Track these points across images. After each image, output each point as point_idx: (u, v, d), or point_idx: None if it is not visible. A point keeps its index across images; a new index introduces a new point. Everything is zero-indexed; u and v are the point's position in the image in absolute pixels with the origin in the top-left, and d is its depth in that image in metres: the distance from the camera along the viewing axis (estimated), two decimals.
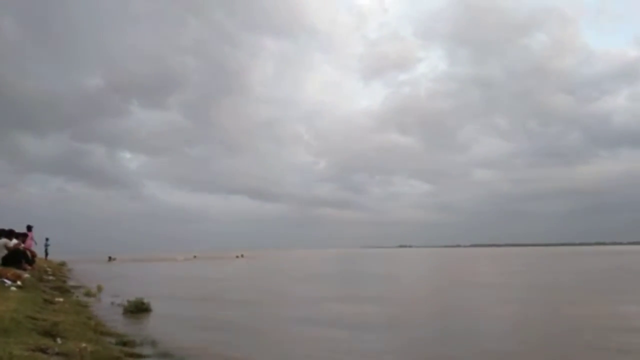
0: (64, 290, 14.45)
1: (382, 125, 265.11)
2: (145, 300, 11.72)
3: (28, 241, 23.30)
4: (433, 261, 53.00)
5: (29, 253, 16.68)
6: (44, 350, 5.08)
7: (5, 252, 14.57)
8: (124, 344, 7.36)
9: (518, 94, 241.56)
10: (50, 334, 6.32)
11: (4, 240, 14.97)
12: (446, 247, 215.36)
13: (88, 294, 14.60)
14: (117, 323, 9.86)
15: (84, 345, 5.59)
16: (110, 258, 57.97)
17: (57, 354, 5.10)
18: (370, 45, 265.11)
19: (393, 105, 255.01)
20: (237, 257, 67.82)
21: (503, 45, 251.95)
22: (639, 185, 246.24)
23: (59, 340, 6.00)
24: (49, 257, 28.56)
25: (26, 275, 12.44)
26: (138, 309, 11.42)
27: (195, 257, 67.46)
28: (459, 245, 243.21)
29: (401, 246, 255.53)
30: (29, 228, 24.16)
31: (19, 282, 10.75)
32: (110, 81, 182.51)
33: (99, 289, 16.01)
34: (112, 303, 12.80)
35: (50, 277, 17.76)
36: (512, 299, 14.66)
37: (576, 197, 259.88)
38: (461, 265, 41.97)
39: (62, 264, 31.37)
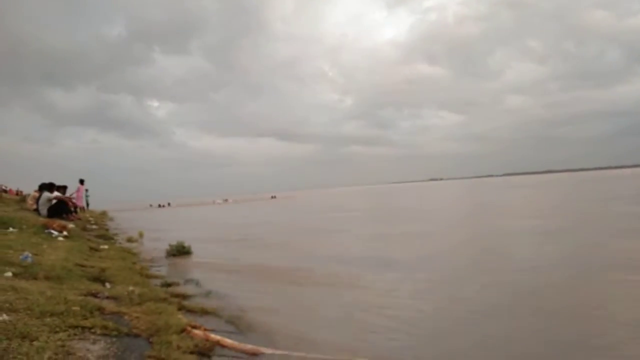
0: (108, 238, 15.04)
1: (408, 56, 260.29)
2: (186, 244, 12.10)
3: (78, 194, 24.39)
4: (460, 194, 52.68)
5: (70, 204, 17.27)
6: (95, 295, 5.31)
7: (49, 204, 15.16)
8: (169, 285, 7.66)
9: (552, 13, 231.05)
10: (99, 279, 6.61)
11: (47, 194, 15.53)
12: (478, 178, 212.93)
13: (131, 240, 15.17)
14: (161, 266, 10.27)
15: (131, 288, 5.81)
16: (150, 205, 59.98)
17: (108, 297, 5.33)
18: None
19: (419, 34, 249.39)
20: (272, 197, 69.18)
21: None
22: None
23: (107, 285, 6.27)
24: (90, 207, 29.66)
25: (71, 225, 12.93)
26: (180, 252, 11.84)
27: (226, 200, 68.88)
28: (491, 175, 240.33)
29: (432, 179, 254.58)
30: (81, 181, 25.18)
31: (65, 232, 11.18)
32: (130, 29, 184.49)
33: (140, 234, 16.64)
34: (155, 248, 13.29)
35: (94, 226, 18.48)
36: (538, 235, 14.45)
37: (613, 119, 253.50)
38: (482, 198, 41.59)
39: (103, 213, 32.59)
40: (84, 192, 26.19)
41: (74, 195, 24.90)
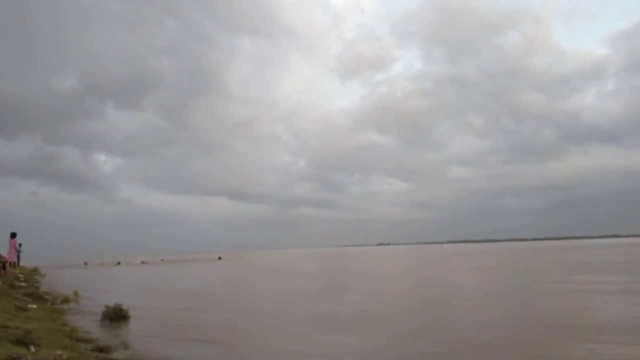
0: (37, 297, 14.00)
1: (359, 124, 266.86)
2: (124, 307, 11.42)
3: (10, 250, 22.80)
4: (410, 259, 53.44)
5: None
6: (16, 359, 4.87)
7: None
8: (101, 350, 7.14)
9: (492, 92, 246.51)
10: (23, 342, 6.07)
11: None
12: (424, 244, 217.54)
13: (63, 300, 14.16)
14: (95, 329, 9.59)
15: (59, 352, 5.38)
16: (85, 263, 56.80)
17: None
18: (347, 45, 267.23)
19: (370, 105, 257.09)
20: (218, 259, 67.20)
21: (477, 45, 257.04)
22: (608, 180, 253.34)
23: (32, 349, 5.77)
24: (21, 263, 27.71)
25: None
26: (116, 315, 11.11)
27: (162, 260, 65.75)
28: (435, 242, 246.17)
29: (380, 244, 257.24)
30: (13, 235, 23.46)
31: None
32: (84, 83, 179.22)
33: (75, 294, 15.57)
34: (89, 310, 12.44)
35: (23, 284, 17.18)
36: (479, 298, 14.80)
37: (549, 193, 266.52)
38: (436, 263, 42.40)
39: (35, 270, 30.48)
40: (16, 246, 24.54)
41: (19, 251, 23.33)
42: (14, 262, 24.37)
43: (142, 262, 59.99)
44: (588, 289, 14.99)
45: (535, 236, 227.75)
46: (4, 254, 22.01)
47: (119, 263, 58.86)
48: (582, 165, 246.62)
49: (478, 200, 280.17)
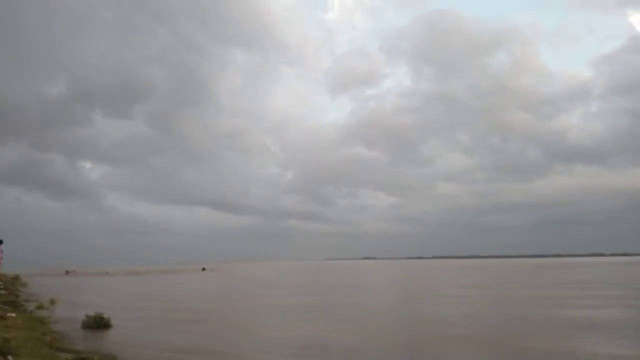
0: (17, 305, 13.75)
1: (348, 138, 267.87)
2: (105, 316, 11.25)
3: None
4: (395, 274, 53.44)
5: None
6: None
7: None
8: (82, 359, 7.02)
9: (479, 110, 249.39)
10: (1, 351, 5.96)
11: None
12: (409, 259, 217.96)
13: (42, 309, 13.90)
14: (75, 339, 9.42)
15: None
16: (67, 271, 55.83)
17: None
18: (337, 60, 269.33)
19: (359, 119, 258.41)
20: (202, 269, 66.50)
21: (466, 64, 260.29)
22: (593, 200, 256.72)
23: (10, 358, 5.66)
24: (2, 270, 27.17)
25: None
26: (97, 324, 10.95)
27: (145, 270, 64.84)
28: (421, 257, 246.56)
29: (366, 258, 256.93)
30: None
31: None
32: (73, 89, 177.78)
33: (53, 302, 15.28)
34: (70, 318, 12.24)
35: (2, 292, 16.86)
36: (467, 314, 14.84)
37: (534, 211, 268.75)
38: (422, 278, 42.45)
39: (16, 277, 29.93)
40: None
41: None
42: None
43: (127, 272, 59.22)
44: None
45: (520, 253, 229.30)
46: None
47: (107, 273, 58.13)
48: (567, 185, 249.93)
49: (464, 216, 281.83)
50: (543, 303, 16.20)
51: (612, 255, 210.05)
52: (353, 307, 16.24)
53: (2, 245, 24.05)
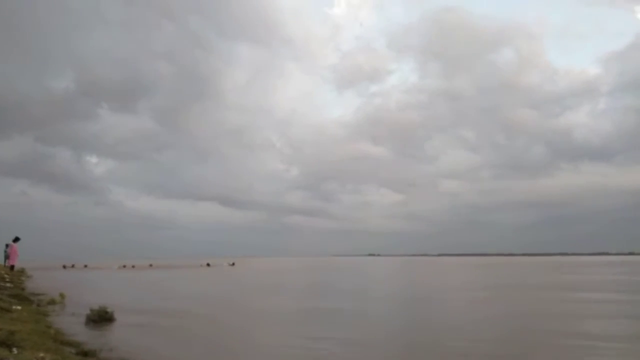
0: (22, 298, 13.89)
1: (353, 134, 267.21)
2: (109, 309, 11.37)
3: (12, 254, 22.86)
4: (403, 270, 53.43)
5: None
6: None
7: None
8: (85, 353, 7.11)
9: (485, 107, 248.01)
10: (5, 343, 6.05)
11: None
12: (414, 256, 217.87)
13: (48, 302, 14.05)
14: (79, 332, 9.53)
15: (41, 355, 5.37)
16: (64, 266, 56.20)
17: None
18: (343, 56, 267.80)
19: (364, 116, 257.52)
20: (207, 265, 66.73)
21: (472, 61, 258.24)
22: (598, 198, 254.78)
23: (15, 351, 5.75)
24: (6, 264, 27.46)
25: None
26: (101, 318, 11.07)
27: (150, 265, 65.42)
28: (426, 254, 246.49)
29: (370, 254, 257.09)
30: (16, 239, 23.56)
31: None
32: (80, 84, 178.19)
33: (61, 296, 15.47)
34: (74, 312, 12.37)
35: (8, 284, 17.03)
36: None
37: (539, 209, 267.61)
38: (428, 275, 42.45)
39: (21, 271, 30.20)
40: (5, 247, 24.40)
41: (7, 252, 23.33)
42: (13, 265, 24.34)
43: (133, 266, 59.62)
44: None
45: (525, 251, 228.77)
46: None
47: (124, 266, 58.62)
48: (573, 183, 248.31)
49: (469, 214, 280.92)
50: (556, 308, 14.69)
51: (618, 254, 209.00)
52: (358, 314, 16.14)
53: (9, 239, 24.35)
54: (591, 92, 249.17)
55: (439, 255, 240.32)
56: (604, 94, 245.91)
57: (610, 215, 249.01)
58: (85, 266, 58.57)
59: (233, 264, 70.80)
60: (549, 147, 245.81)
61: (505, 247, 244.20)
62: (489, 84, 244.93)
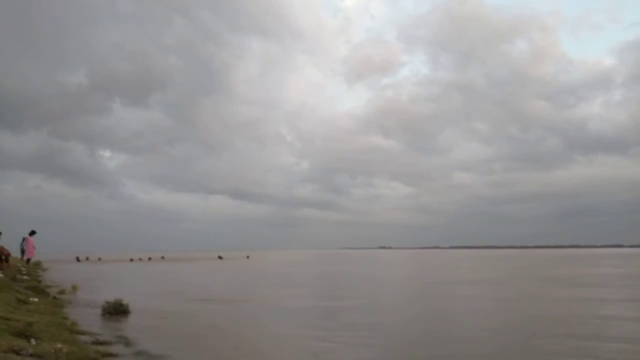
0: (39, 290, 14.11)
1: (364, 127, 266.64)
2: (124, 302, 11.49)
3: (29, 247, 23.39)
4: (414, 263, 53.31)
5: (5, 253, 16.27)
6: (17, 352, 4.94)
7: None
8: (101, 343, 7.21)
9: (498, 99, 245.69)
10: (24, 334, 6.15)
11: None
12: (425, 249, 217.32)
13: (64, 294, 14.26)
14: (95, 324, 9.65)
15: (59, 345, 5.45)
16: (78, 259, 56.94)
17: (31, 355, 4.97)
18: (354, 49, 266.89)
19: (376, 108, 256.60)
20: (219, 258, 67.19)
21: (484, 52, 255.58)
22: (612, 190, 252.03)
23: (33, 341, 5.85)
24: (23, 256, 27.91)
25: None
26: (117, 310, 11.19)
27: (163, 257, 66.04)
28: (437, 247, 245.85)
29: (381, 247, 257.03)
30: (32, 233, 24.05)
31: None
32: (92, 79, 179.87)
33: (75, 288, 15.69)
34: (90, 304, 12.54)
35: (25, 277, 17.31)
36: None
37: (553, 201, 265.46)
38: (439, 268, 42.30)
39: (37, 263, 30.65)
40: (22, 241, 24.85)
41: (24, 245, 23.83)
42: (29, 259, 24.81)
43: (149, 259, 60.24)
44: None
45: (538, 244, 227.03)
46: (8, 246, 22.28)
47: (140, 259, 59.35)
48: (587, 175, 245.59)
49: (481, 206, 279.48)
50: (576, 310, 12.70)
51: (632, 246, 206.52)
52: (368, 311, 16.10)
53: (25, 233, 24.75)
54: (606, 83, 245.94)
55: (451, 247, 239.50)
56: (619, 85, 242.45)
57: (624, 207, 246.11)
58: (99, 259, 59.24)
59: (248, 256, 71.62)
60: (562, 138, 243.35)
61: (518, 239, 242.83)
62: (502, 76, 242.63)
